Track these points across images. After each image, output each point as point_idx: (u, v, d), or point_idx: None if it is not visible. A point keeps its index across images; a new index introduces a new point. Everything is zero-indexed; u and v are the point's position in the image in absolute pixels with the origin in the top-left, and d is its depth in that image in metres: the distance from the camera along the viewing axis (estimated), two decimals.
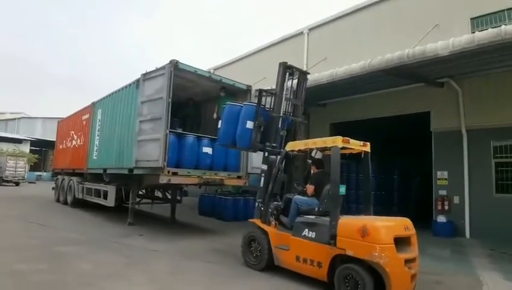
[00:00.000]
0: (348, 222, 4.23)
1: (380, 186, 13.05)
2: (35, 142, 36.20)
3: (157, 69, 7.29)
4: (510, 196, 8.52)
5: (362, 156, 5.10)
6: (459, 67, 8.19)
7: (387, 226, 4.13)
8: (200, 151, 7.60)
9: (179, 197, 10.04)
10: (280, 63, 6.09)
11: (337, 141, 4.55)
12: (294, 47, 15.35)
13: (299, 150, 5.43)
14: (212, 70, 20.68)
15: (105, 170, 9.24)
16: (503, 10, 9.30)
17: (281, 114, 5.84)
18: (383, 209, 12.74)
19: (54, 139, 31.98)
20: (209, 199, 11.66)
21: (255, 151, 6.26)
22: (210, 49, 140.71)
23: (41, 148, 37.79)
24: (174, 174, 7.07)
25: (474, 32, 9.32)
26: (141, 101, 7.47)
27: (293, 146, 5.31)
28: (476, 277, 5.31)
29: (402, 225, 4.27)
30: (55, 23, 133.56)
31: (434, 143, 9.99)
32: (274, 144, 5.72)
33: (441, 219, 9.18)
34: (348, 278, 4.04)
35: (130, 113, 8.19)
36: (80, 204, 11.68)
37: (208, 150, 7.67)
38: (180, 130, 8.37)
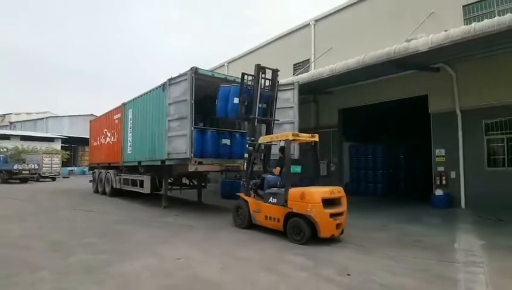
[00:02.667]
0: (294, 190, 6.10)
1: (387, 165, 14.07)
2: (65, 140, 38.68)
3: (180, 75, 8.55)
4: (500, 169, 9.43)
5: (313, 144, 6.97)
6: (449, 55, 8.99)
7: (317, 192, 5.96)
8: (220, 143, 8.92)
9: (203, 184, 11.46)
10: (255, 65, 7.76)
11: (288, 135, 6.51)
12: (302, 38, 16.26)
13: (268, 142, 7.26)
14: (226, 64, 21.87)
15: (139, 162, 10.73)
16: None
17: (256, 116, 7.60)
18: (391, 186, 13.85)
19: (82, 136, 34.35)
20: (230, 184, 13.01)
21: (242, 120, 8.21)
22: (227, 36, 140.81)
23: (71, 144, 40.35)
24: (200, 163, 8.45)
25: (466, 19, 10.16)
26: (169, 103, 8.78)
27: (263, 139, 7.22)
28: (452, 237, 6.40)
29: (329, 191, 6.06)
30: (67, 17, 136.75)
31: (432, 124, 10.88)
32: (253, 138, 7.50)
33: (439, 192, 10.18)
34: (295, 227, 6.01)
35: (158, 113, 9.54)
36: (116, 193, 13.33)
37: (226, 141, 8.98)
38: (201, 125, 9.66)
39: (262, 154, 7.67)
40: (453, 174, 10.18)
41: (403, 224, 7.89)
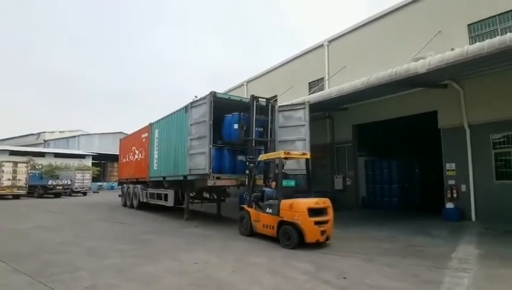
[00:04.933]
0: (285, 202, 6.99)
1: (403, 179, 14.31)
2: (95, 156, 40.89)
3: (200, 99, 9.47)
4: (509, 182, 9.59)
5: (305, 161, 8.00)
6: (452, 74, 9.40)
7: (303, 202, 6.83)
8: (236, 159, 9.69)
9: (223, 197, 12.23)
10: (251, 96, 9.45)
11: (281, 154, 7.58)
12: (316, 58, 16.98)
13: (265, 159, 8.33)
14: (245, 83, 22.89)
15: (164, 177, 11.66)
16: (495, 16, 10.31)
17: (253, 137, 9.00)
18: (406, 199, 14.03)
19: (111, 153, 36.23)
20: None
21: (241, 142, 9.38)
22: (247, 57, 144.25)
23: (101, 161, 42.56)
24: (218, 178, 9.23)
25: (471, 37, 10.58)
26: (190, 124, 9.67)
27: (261, 157, 8.38)
28: (453, 247, 6.71)
29: (314, 201, 6.94)
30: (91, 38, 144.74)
31: (442, 138, 11.18)
32: (251, 157, 8.74)
33: (449, 205, 10.40)
34: (285, 233, 6.90)
35: (181, 132, 10.49)
36: (142, 207, 14.32)
37: (242, 158, 9.73)
38: (219, 143, 10.46)
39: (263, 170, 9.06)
40: (463, 188, 10.38)
41: (410, 235, 8.23)
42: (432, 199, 13.55)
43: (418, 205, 14.10)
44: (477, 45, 6.90)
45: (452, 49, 8.35)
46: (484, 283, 4.61)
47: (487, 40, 6.89)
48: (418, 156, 15.08)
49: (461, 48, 7.24)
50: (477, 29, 10.72)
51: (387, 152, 15.26)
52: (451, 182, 10.72)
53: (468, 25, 10.87)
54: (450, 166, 10.83)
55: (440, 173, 12.12)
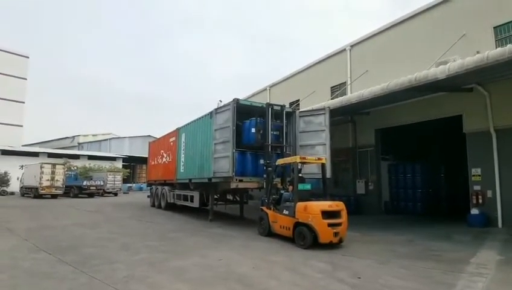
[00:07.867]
0: (300, 204, 7.35)
1: (427, 184, 14.13)
2: (125, 159, 42.64)
3: (224, 105, 9.96)
4: None
5: (321, 165, 8.33)
6: (477, 78, 9.30)
7: (317, 205, 7.22)
8: (258, 163, 10.07)
9: (245, 200, 12.65)
10: (266, 103, 10.12)
11: (297, 159, 8.07)
12: (339, 62, 17.12)
13: (282, 164, 8.79)
14: (268, 88, 23.31)
15: (190, 179, 12.24)
16: None
17: (270, 143, 9.50)
18: (431, 205, 13.85)
19: (141, 155, 37.61)
20: None
21: (259, 146, 9.78)
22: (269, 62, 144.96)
23: (130, 163, 44.29)
24: (241, 181, 9.63)
25: (498, 40, 10.44)
26: (215, 129, 10.17)
27: (279, 162, 8.83)
28: (473, 253, 6.70)
29: (328, 204, 7.28)
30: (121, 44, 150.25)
31: (468, 143, 11.00)
32: (268, 161, 9.18)
33: (474, 211, 10.24)
34: (300, 234, 7.28)
35: (206, 137, 11.01)
36: (170, 207, 15.00)
37: (263, 161, 10.05)
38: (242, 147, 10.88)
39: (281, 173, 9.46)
40: (489, 193, 10.19)
41: (430, 240, 8.25)
42: (457, 204, 13.32)
43: (443, 211, 13.88)
44: (498, 50, 6.91)
45: (477, 52, 8.34)
46: (499, 288, 4.69)
47: (508, 45, 6.87)
48: (443, 160, 14.83)
49: (481, 53, 7.24)
50: (503, 32, 10.54)
51: (411, 156, 15.11)
52: (477, 187, 10.54)
53: (494, 28, 10.71)
54: (475, 171, 10.67)
55: (466, 178, 11.92)
